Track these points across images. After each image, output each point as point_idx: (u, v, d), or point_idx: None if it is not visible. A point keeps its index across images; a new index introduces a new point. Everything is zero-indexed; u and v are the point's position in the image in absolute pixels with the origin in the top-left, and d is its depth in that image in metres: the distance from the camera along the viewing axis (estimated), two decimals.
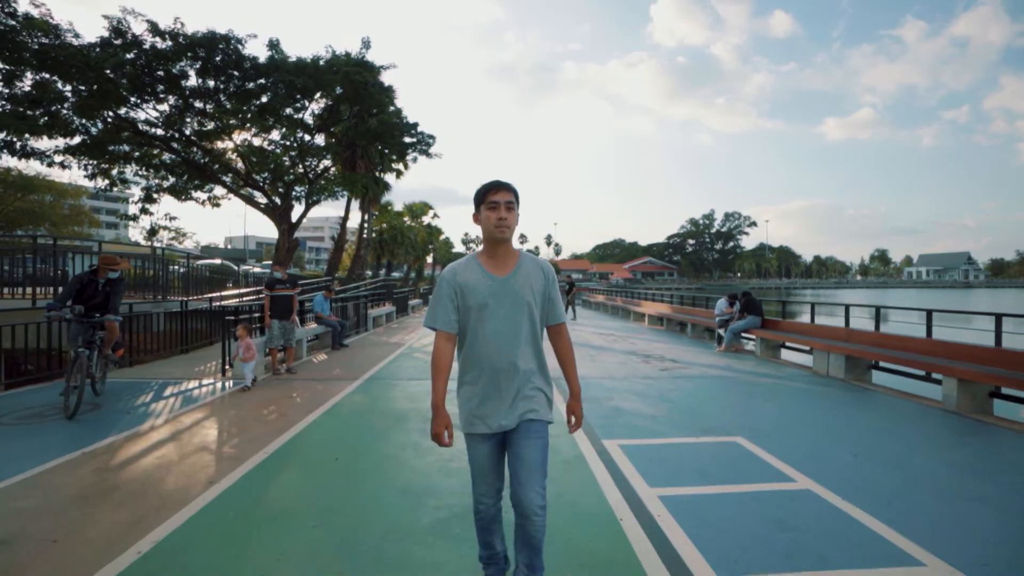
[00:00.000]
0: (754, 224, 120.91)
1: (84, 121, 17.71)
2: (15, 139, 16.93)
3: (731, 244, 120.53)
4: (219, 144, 20.30)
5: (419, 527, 2.96)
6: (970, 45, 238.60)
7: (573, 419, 2.23)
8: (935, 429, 5.02)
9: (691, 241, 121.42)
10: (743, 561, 2.58)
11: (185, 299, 10.77)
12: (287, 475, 3.84)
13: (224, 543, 2.79)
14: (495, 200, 2.08)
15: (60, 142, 17.71)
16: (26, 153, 17.60)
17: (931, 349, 6.30)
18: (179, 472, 3.82)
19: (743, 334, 10.55)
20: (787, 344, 9.53)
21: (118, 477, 3.75)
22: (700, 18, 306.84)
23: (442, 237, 59.92)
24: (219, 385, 7.02)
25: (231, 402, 6.10)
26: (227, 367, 7.71)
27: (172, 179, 21.47)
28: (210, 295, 11.71)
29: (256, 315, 8.51)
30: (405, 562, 2.59)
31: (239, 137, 20.03)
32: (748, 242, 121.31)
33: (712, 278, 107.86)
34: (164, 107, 18.88)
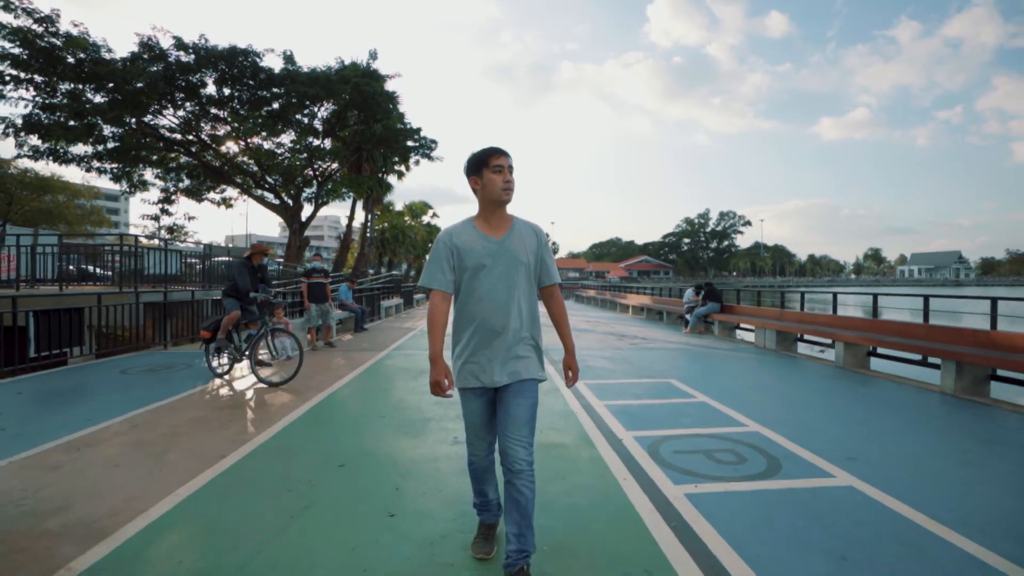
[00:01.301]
0: (749, 223, 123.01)
1: (114, 128, 19.48)
2: (59, 147, 18.71)
3: (726, 243, 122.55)
4: (232, 147, 22.05)
5: (449, 417, 4.75)
6: (963, 46, 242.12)
7: (570, 373, 2.32)
8: (819, 376, 6.83)
9: (686, 240, 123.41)
10: (644, 426, 4.39)
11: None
12: (352, 399, 5.63)
13: (327, 426, 4.59)
14: (500, 164, 2.15)
15: (90, 148, 19.49)
16: (67, 159, 19.37)
17: (834, 323, 8.10)
18: (281, 398, 5.61)
19: (706, 318, 12.35)
20: (740, 326, 11.36)
21: (241, 399, 5.53)
22: (696, 18, 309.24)
23: None
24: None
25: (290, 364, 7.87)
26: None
27: (188, 181, 23.28)
28: None
29: (298, 300, 10.26)
30: (443, 429, 4.38)
31: (252, 141, 21.78)
32: (744, 241, 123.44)
33: (708, 276, 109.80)
34: (182, 113, 20.67)
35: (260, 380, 6.16)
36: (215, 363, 6.75)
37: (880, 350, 7.24)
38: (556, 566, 2.27)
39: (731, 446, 3.88)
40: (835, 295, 8.58)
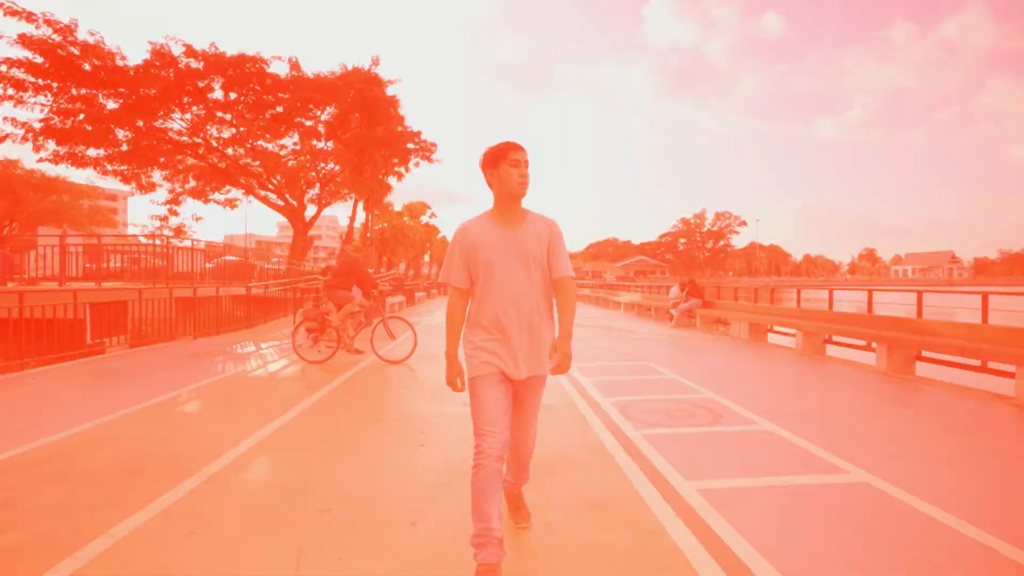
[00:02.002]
0: (744, 223, 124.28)
1: (127, 133, 20.40)
2: (77, 151, 19.61)
3: (722, 243, 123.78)
4: (238, 149, 22.99)
5: None
6: (958, 47, 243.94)
7: (556, 356, 2.12)
8: (778, 360, 7.82)
9: (683, 240, 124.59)
10: (619, 394, 5.36)
11: (249, 284, 13.44)
12: (375, 375, 6.59)
13: (359, 394, 5.55)
14: (517, 158, 2.17)
15: (101, 151, 20.42)
16: (84, 162, 20.27)
17: (796, 314, 9.09)
18: (315, 375, 6.56)
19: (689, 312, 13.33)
20: (720, 319, 12.35)
21: (280, 376, 6.48)
22: (692, 18, 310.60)
23: (439, 235, 62.06)
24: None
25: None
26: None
27: (194, 182, 24.22)
28: (263, 283, 14.37)
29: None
30: (455, 397, 5.29)
31: (257, 144, 22.72)
32: (740, 241, 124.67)
33: (703, 276, 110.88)
34: (189, 116, 21.59)
35: (383, 359, 7.31)
36: (313, 353, 7.43)
37: (834, 337, 8.23)
38: (542, 472, 3.23)
39: (687, 407, 4.85)
40: (798, 290, 9.59)
